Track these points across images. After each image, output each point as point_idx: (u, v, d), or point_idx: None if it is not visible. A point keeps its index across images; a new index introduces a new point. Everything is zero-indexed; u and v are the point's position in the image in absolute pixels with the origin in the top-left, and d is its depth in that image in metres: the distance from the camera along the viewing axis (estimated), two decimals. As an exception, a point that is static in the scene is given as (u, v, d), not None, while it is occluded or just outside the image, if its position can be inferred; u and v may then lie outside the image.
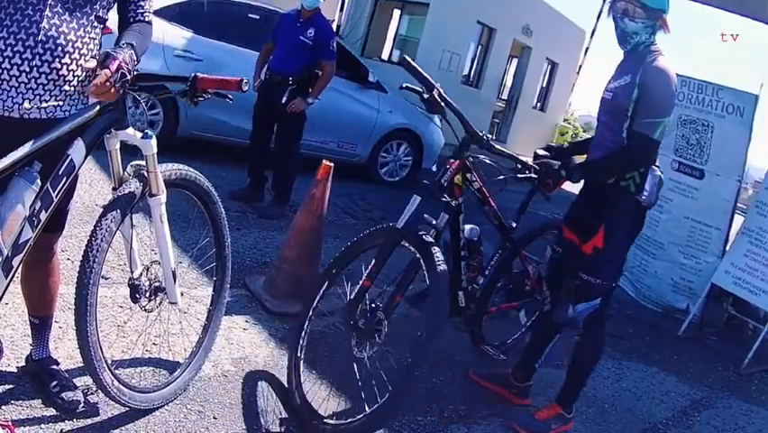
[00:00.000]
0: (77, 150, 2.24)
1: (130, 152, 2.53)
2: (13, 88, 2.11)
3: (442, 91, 3.31)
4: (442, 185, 3.30)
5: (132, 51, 2.25)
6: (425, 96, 3.29)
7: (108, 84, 2.14)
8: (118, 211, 2.39)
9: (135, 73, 2.29)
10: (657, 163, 3.25)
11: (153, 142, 2.44)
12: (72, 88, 2.26)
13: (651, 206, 3.26)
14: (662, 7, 3.10)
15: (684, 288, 6.49)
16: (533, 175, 3.35)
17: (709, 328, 6.30)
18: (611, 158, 3.19)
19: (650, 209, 3.31)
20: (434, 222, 3.26)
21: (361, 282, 3.13)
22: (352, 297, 3.14)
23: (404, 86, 3.46)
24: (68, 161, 2.21)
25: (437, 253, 3.02)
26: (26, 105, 2.14)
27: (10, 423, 2.33)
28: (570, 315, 3.33)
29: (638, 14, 3.09)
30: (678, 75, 6.36)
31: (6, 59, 2.08)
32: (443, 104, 3.29)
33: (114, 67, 2.14)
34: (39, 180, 2.15)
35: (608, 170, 3.20)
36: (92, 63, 2.23)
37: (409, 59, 3.30)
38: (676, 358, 5.39)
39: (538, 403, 3.73)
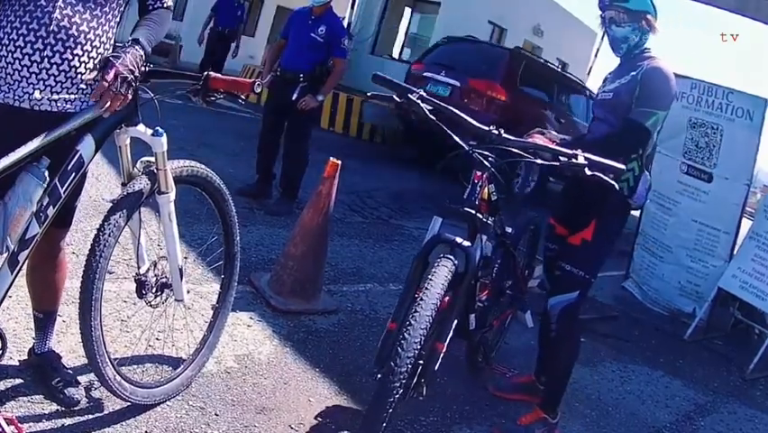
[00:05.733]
0: (87, 146, 2.24)
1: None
2: (24, 79, 2.12)
3: (423, 94, 3.00)
4: (473, 204, 2.89)
5: (137, 48, 2.23)
6: (399, 101, 3.02)
7: (111, 93, 2.14)
8: (126, 208, 2.38)
9: (148, 68, 2.30)
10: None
11: (163, 139, 2.43)
12: (85, 83, 2.26)
13: (639, 208, 3.30)
14: (644, 8, 3.18)
15: (691, 291, 6.46)
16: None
17: (715, 333, 6.27)
18: (600, 140, 3.21)
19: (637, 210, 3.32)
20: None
21: None
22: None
23: (369, 94, 3.25)
24: (77, 156, 2.21)
25: None
26: (37, 94, 2.14)
27: (15, 418, 2.33)
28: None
29: (623, 19, 3.18)
30: (688, 77, 6.42)
31: (18, 49, 2.09)
32: (424, 106, 2.99)
33: (110, 76, 2.12)
34: (47, 176, 2.16)
35: (597, 151, 2.91)
36: (92, 73, 2.21)
37: (382, 75, 3.07)
38: (681, 362, 5.36)
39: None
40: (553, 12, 18.22)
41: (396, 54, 17.05)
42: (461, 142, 2.93)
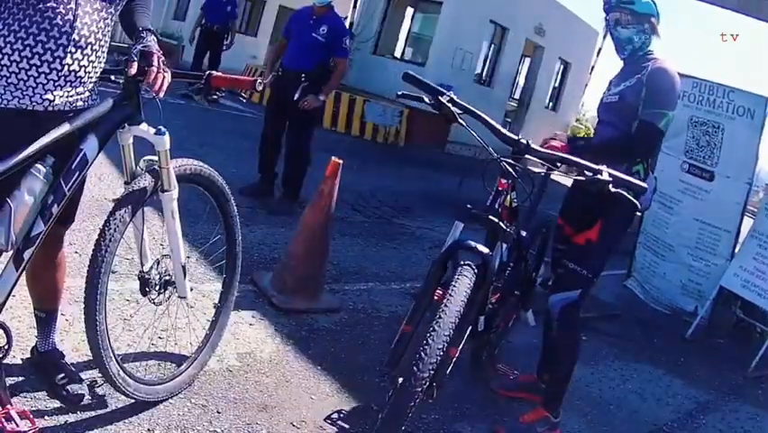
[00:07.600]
0: (91, 144, 2.26)
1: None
2: (41, 85, 2.15)
3: (453, 96, 2.99)
4: (496, 211, 2.90)
5: (153, 36, 2.34)
6: (429, 101, 3.01)
7: (162, 74, 2.26)
8: (131, 205, 2.41)
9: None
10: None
11: (166, 138, 2.46)
12: (92, 81, 2.31)
13: (644, 210, 3.31)
14: (649, 12, 3.25)
15: (693, 290, 6.46)
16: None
17: (717, 331, 6.27)
18: (615, 143, 3.28)
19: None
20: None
21: None
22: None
23: (399, 93, 3.24)
24: (81, 155, 2.24)
25: None
26: (57, 101, 2.18)
27: (28, 411, 2.34)
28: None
29: (628, 21, 3.25)
30: (689, 76, 6.41)
31: (36, 56, 2.11)
32: (454, 109, 2.97)
33: (155, 61, 2.26)
34: (51, 174, 2.18)
35: (611, 154, 3.12)
36: (134, 69, 2.27)
37: (413, 74, 3.04)
38: (683, 361, 5.37)
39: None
40: (556, 11, 18.13)
41: (398, 54, 17.03)
42: (489, 150, 2.91)
